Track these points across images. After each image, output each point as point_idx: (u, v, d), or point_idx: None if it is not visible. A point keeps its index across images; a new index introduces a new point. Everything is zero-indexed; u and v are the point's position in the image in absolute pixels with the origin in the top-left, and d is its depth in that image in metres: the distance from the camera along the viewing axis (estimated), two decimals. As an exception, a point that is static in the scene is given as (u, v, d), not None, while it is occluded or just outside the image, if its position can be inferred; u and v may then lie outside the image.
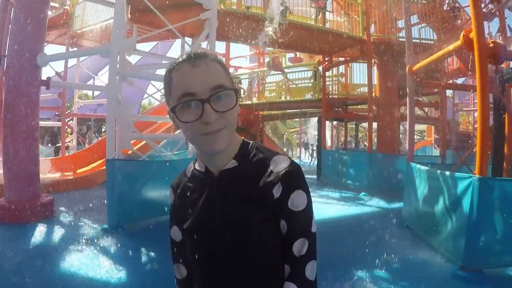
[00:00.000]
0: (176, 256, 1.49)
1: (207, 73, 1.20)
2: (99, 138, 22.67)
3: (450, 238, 5.89)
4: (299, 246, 1.24)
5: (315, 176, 16.20)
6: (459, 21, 11.22)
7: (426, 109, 14.16)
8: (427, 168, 7.16)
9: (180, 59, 1.24)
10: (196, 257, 1.34)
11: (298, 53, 19.98)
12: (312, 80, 17.06)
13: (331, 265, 5.85)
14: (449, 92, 18.18)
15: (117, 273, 5.38)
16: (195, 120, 1.18)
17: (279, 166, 1.26)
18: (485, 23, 15.23)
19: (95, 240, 6.88)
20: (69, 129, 17.96)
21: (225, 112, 1.20)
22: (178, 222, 1.42)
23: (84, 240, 6.84)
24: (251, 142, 1.39)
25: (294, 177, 1.26)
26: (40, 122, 9.13)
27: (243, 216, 1.24)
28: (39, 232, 7.42)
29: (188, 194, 1.38)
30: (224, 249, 1.26)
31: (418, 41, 12.08)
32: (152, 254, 6.34)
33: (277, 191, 1.24)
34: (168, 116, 1.33)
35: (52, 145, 21.83)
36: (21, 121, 8.05)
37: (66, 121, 16.61)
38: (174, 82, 1.22)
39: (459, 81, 16.46)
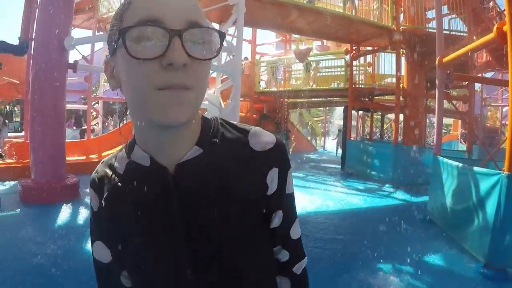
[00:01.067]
0: (107, 283, 1.12)
1: (185, 0, 0.85)
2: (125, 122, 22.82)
3: (475, 235, 5.79)
4: (296, 228, 1.12)
5: (339, 166, 16.14)
6: (490, 14, 10.98)
7: (454, 102, 13.94)
8: (454, 162, 7.04)
9: None
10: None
11: (325, 41, 19.83)
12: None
13: (354, 257, 5.84)
14: (477, 86, 17.92)
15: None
16: (154, 59, 0.79)
17: (261, 143, 0.99)
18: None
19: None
20: (94, 112, 18.16)
21: (199, 64, 0.84)
22: (105, 237, 1.05)
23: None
24: (211, 117, 1.03)
25: (286, 156, 1.03)
26: (66, 105, 9.23)
27: (219, 226, 0.95)
28: (65, 212, 7.56)
29: (124, 200, 0.97)
30: (185, 261, 0.96)
31: (448, 32, 11.85)
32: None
33: (273, 181, 1.00)
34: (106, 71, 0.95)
35: (77, 128, 22.11)
36: (48, 104, 8.19)
37: (92, 104, 16.80)
38: (132, 6, 0.84)
39: (488, 75, 16.18)
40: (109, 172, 1.02)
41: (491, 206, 5.28)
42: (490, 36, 5.78)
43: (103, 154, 14.02)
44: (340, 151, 19.30)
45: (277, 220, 1.05)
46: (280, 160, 1.01)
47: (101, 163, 1.06)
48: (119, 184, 0.98)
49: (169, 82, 0.80)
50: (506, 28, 5.27)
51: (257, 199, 0.99)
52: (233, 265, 0.98)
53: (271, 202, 1.02)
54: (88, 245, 5.73)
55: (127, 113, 0.99)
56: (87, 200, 8.33)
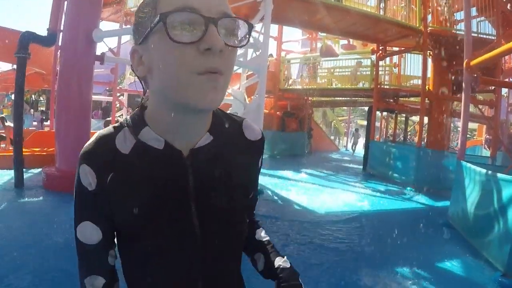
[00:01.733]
0: (92, 265, 1.07)
1: None
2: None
3: (495, 242, 5.69)
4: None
5: (361, 167, 16.06)
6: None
7: (481, 107, 13.74)
8: (477, 168, 6.94)
9: None
10: (156, 258, 1.02)
11: (351, 40, 19.71)
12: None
13: (371, 258, 5.82)
14: (504, 91, 17.62)
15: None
16: (192, 44, 0.85)
17: (253, 133, 1.16)
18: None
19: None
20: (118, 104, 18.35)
21: (231, 51, 0.91)
22: (99, 217, 1.01)
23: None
24: None
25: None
26: (92, 96, 9.36)
27: (228, 205, 1.06)
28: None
29: (133, 180, 0.98)
30: (199, 244, 1.02)
31: (476, 35, 11.69)
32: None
33: (260, 165, 1.22)
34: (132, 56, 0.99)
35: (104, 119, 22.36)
36: (74, 94, 8.35)
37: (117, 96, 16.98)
38: None
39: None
40: (109, 150, 1.00)
41: (512, 214, 5.21)
42: (520, 40, 5.68)
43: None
44: (354, 149, 19.19)
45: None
46: (263, 148, 1.20)
47: (96, 138, 1.01)
48: (126, 164, 0.99)
49: (206, 67, 0.86)
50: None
51: (254, 180, 1.19)
52: (235, 234, 1.11)
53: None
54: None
55: (143, 102, 1.06)
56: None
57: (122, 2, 13.94)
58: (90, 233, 1.02)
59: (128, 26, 14.47)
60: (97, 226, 1.01)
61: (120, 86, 18.62)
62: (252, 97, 9.61)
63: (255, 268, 1.28)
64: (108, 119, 19.18)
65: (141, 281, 1.05)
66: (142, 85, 1.03)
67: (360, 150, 22.05)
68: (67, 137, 8.38)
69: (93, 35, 8.26)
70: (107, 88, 17.27)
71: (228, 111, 1.17)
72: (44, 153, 10.55)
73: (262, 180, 10.44)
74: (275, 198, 9.32)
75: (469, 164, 7.33)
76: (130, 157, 0.99)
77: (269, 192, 9.79)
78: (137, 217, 0.97)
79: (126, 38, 15.89)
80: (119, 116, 19.27)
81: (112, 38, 14.10)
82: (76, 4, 8.31)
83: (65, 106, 8.39)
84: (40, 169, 9.15)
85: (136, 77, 1.01)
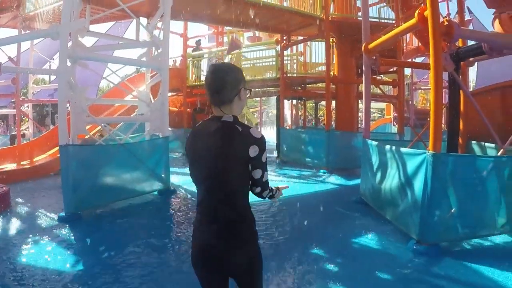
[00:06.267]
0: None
1: None
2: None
3: (406, 213, 6.00)
4: None
5: (274, 155, 16.23)
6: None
7: (384, 87, 14.31)
8: (382, 144, 7.24)
9: None
10: None
11: (257, 32, 19.87)
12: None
13: (288, 241, 5.91)
14: (408, 71, 18.43)
15: (73, 262, 5.27)
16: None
17: None
18: (444, 3, 15.45)
19: (51, 230, 6.68)
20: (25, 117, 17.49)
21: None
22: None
23: (39, 231, 6.63)
24: None
25: None
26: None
27: None
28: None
29: None
30: None
31: (377, 20, 12.18)
32: (108, 241, 6.14)
33: None
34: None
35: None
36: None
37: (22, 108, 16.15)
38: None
39: (419, 60, 16.68)
40: None
41: (419, 184, 5.49)
42: (413, 21, 5.95)
43: (35, 159, 13.45)
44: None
45: None
46: None
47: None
48: None
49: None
50: (426, 13, 5.45)
51: None
52: None
53: None
54: (17, 259, 5.51)
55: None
56: (19, 210, 8.08)
57: (20, 7, 13.13)
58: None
59: (28, 31, 13.69)
60: None
61: (23, 97, 17.74)
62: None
63: None
64: (13, 133, 18.25)
65: None
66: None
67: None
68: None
69: (-16, 44, 7.83)
70: (13, 100, 16.24)
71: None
72: None
73: (175, 179, 10.47)
74: (189, 196, 9.22)
75: (374, 142, 7.63)
76: None
77: (183, 191, 9.71)
78: None
79: (26, 45, 15.08)
80: (25, 129, 18.36)
81: (12, 46, 13.28)
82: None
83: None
84: None
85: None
